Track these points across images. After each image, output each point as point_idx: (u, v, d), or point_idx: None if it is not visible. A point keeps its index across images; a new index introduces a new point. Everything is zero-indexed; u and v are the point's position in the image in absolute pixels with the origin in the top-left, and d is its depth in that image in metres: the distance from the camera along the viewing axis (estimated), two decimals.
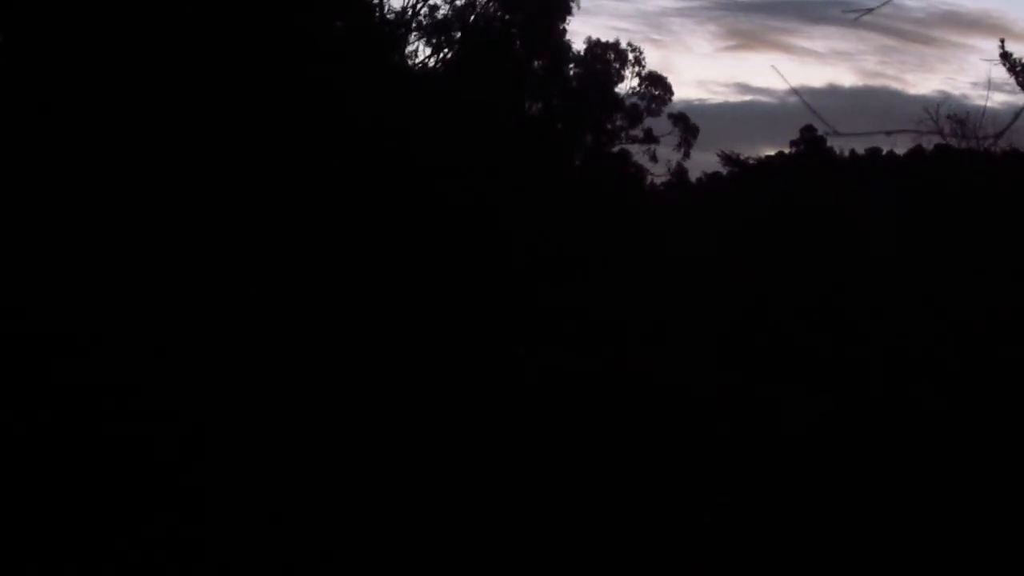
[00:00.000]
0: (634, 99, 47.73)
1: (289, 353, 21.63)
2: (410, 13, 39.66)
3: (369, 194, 26.66)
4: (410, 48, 40.50)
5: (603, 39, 47.58)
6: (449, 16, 41.01)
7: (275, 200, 23.53)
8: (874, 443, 24.03)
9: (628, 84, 47.65)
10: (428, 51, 41.26)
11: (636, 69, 47.37)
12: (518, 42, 41.67)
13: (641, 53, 47.79)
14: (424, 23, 40.76)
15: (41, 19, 21.88)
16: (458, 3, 41.22)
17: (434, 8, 40.70)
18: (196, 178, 22.23)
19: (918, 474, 21.85)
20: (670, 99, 48.01)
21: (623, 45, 47.61)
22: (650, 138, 48.06)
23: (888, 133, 8.51)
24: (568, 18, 43.01)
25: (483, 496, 19.54)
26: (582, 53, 46.55)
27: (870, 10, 8.10)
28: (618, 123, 47.68)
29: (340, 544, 17.15)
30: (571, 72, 46.03)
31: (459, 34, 40.79)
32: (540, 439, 22.86)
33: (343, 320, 23.33)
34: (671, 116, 48.60)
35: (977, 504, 20.10)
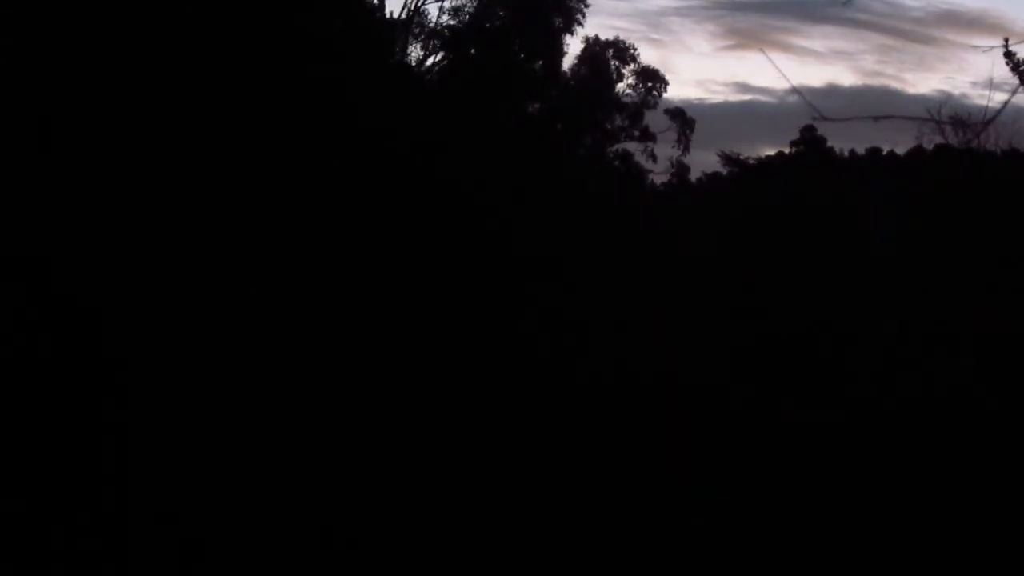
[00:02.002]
0: (631, 94, 47.79)
1: (289, 351, 21.63)
2: (410, 14, 39.72)
3: (368, 193, 26.65)
4: (410, 48, 40.59)
5: (601, 37, 47.75)
6: (449, 17, 41.15)
7: (274, 199, 23.53)
8: (874, 441, 24.04)
9: (625, 81, 47.76)
10: (428, 51, 41.35)
11: (633, 67, 47.45)
12: (518, 42, 41.74)
13: (636, 50, 47.85)
14: (424, 23, 40.88)
15: (40, 20, 21.88)
16: (458, 4, 41.35)
17: (438, 10, 40.85)
18: (195, 178, 22.22)
19: (912, 468, 21.85)
20: (663, 90, 48.04)
21: (621, 42, 47.70)
22: (647, 135, 48.07)
23: (875, 119, 8.46)
24: (576, 28, 43.32)
25: (482, 492, 19.55)
26: (581, 52, 46.65)
27: None
28: (617, 122, 47.72)
29: (344, 538, 17.18)
30: (570, 71, 46.12)
31: (459, 35, 40.85)
32: (539, 436, 22.87)
33: (344, 316, 23.33)
34: (668, 112, 48.65)
35: (980, 508, 20.07)
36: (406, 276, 25.53)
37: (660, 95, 47.66)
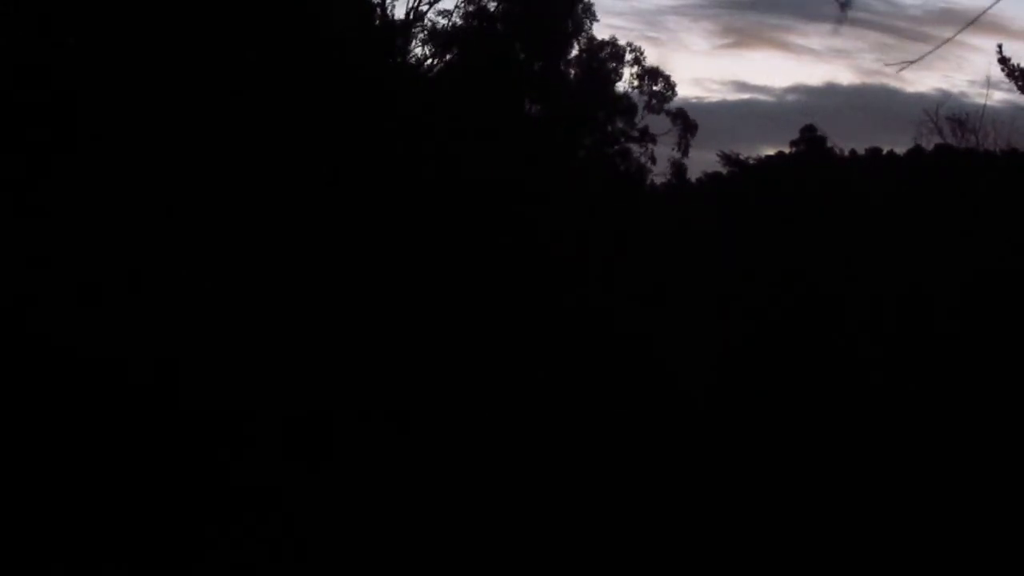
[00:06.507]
0: (634, 95, 47.91)
1: (307, 354, 21.77)
2: (412, 15, 39.78)
3: (368, 194, 26.72)
4: (413, 49, 40.66)
5: (599, 37, 47.79)
6: (452, 19, 41.25)
7: (280, 202, 23.61)
8: (873, 440, 24.15)
9: (628, 82, 47.83)
10: (429, 52, 41.44)
11: (635, 70, 47.51)
12: (518, 44, 41.81)
13: (642, 53, 47.99)
14: (427, 24, 40.97)
15: (47, 22, 21.98)
16: (461, 5, 41.43)
17: (439, 12, 40.94)
18: (203, 184, 22.30)
19: (912, 469, 21.96)
20: (672, 96, 48.23)
21: (621, 42, 47.75)
22: (647, 136, 48.13)
23: None
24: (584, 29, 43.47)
25: (488, 491, 19.67)
26: (582, 52, 46.63)
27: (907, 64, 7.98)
28: (618, 123, 47.75)
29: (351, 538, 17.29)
30: (571, 73, 46.12)
31: (461, 36, 40.92)
32: (544, 436, 22.99)
33: (353, 317, 23.46)
34: (669, 113, 48.75)
35: (976, 503, 20.18)
36: (411, 275, 25.60)
37: (666, 101, 47.89)
